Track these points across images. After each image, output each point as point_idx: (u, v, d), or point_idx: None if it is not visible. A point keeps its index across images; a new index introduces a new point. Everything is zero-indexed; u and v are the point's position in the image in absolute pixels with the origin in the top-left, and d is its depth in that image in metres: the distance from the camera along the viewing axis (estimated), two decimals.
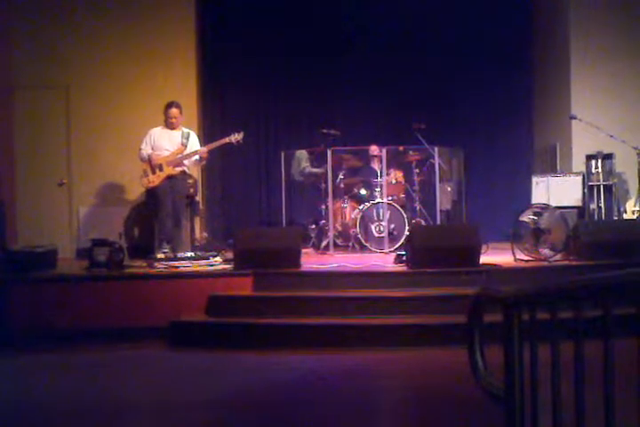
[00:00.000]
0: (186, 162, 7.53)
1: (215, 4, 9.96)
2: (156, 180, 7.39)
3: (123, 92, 8.89)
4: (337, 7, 10.25)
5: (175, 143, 7.50)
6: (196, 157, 7.52)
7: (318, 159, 9.10)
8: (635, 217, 8.07)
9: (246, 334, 5.78)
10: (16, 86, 8.75)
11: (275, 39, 10.28)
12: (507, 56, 10.21)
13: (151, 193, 7.53)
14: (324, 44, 10.32)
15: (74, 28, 8.91)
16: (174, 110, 7.52)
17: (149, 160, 7.42)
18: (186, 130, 7.60)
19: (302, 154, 9.37)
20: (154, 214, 7.55)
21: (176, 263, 6.78)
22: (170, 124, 7.54)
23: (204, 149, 7.52)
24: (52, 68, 8.90)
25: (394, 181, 8.79)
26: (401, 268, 6.71)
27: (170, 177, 7.42)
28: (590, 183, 8.52)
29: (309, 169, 9.29)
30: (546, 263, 6.68)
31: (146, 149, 7.48)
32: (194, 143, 7.60)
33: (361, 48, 10.39)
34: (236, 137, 7.52)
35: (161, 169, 7.40)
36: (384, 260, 7.36)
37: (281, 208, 9.00)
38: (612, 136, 7.91)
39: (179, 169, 7.49)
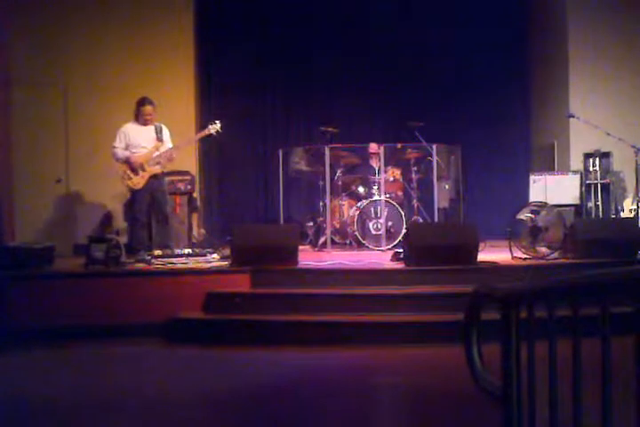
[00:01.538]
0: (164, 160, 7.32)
1: (214, 1, 9.95)
2: (141, 181, 7.17)
3: (120, 89, 8.85)
4: (336, 6, 10.24)
5: (151, 139, 7.28)
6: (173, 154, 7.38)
7: (314, 157, 9.09)
8: (632, 215, 8.08)
9: (243, 331, 5.78)
10: (14, 84, 8.74)
11: (274, 36, 10.30)
12: (505, 54, 10.23)
13: (133, 194, 7.31)
14: (322, 42, 10.33)
15: (72, 25, 8.91)
16: (149, 108, 7.27)
17: (129, 162, 7.16)
18: (157, 124, 7.37)
19: (297, 150, 9.37)
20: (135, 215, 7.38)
21: (174, 260, 6.77)
22: (144, 122, 7.30)
23: (174, 149, 7.35)
24: (50, 65, 8.89)
25: (392, 179, 8.79)
26: (398, 265, 6.72)
27: (152, 176, 7.23)
28: (588, 181, 8.53)
29: (298, 166, 9.29)
30: (543, 261, 6.68)
31: (120, 147, 7.23)
32: (167, 138, 7.41)
33: (360, 46, 10.39)
34: (214, 127, 7.34)
35: (143, 169, 7.18)
36: (381, 257, 7.37)
37: (278, 205, 9.00)
38: (609, 134, 7.92)
39: (159, 167, 7.28)
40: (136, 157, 7.19)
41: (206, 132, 7.42)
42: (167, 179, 8.03)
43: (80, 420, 3.96)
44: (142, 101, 7.32)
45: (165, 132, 7.40)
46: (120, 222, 8.80)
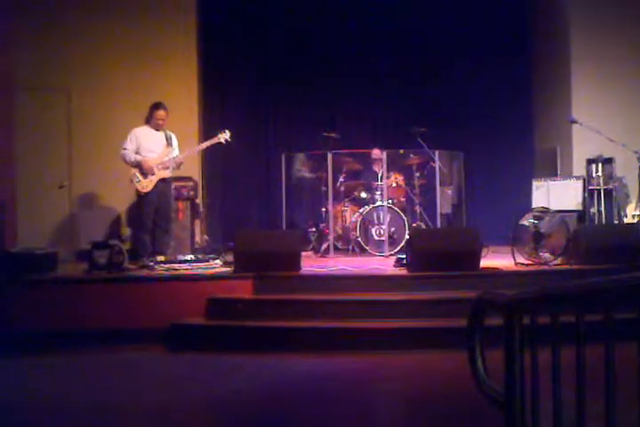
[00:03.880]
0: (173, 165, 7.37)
1: (215, 4, 9.98)
2: (149, 184, 7.18)
3: (124, 93, 8.88)
4: (337, 9, 10.27)
5: (161, 144, 7.31)
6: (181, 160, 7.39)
7: (316, 163, 9.09)
8: (635, 221, 8.06)
9: (246, 337, 5.77)
10: (17, 88, 8.75)
11: (276, 40, 10.32)
12: (507, 59, 10.22)
13: (140, 198, 7.30)
14: (325, 47, 10.35)
15: (75, 29, 8.92)
16: (162, 112, 7.31)
17: (140, 165, 7.17)
18: (168, 131, 7.42)
19: (300, 156, 9.38)
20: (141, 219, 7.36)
21: (176, 266, 6.76)
22: (157, 126, 7.33)
23: (182, 155, 7.39)
24: (53, 69, 8.91)
25: (394, 185, 8.79)
26: (401, 271, 6.71)
27: (160, 180, 7.24)
28: (591, 187, 8.50)
29: (301, 173, 9.30)
30: (546, 267, 6.67)
31: (130, 149, 7.23)
32: (176, 145, 7.45)
33: (362, 51, 10.40)
34: (224, 136, 7.39)
35: (152, 173, 7.19)
36: (384, 263, 7.37)
37: (281, 211, 9.00)
38: (612, 140, 7.91)
39: (168, 172, 7.31)
40: (147, 161, 7.20)
41: (215, 140, 7.45)
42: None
43: (81, 424, 3.95)
44: (157, 105, 7.36)
45: (175, 140, 7.46)
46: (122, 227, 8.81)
